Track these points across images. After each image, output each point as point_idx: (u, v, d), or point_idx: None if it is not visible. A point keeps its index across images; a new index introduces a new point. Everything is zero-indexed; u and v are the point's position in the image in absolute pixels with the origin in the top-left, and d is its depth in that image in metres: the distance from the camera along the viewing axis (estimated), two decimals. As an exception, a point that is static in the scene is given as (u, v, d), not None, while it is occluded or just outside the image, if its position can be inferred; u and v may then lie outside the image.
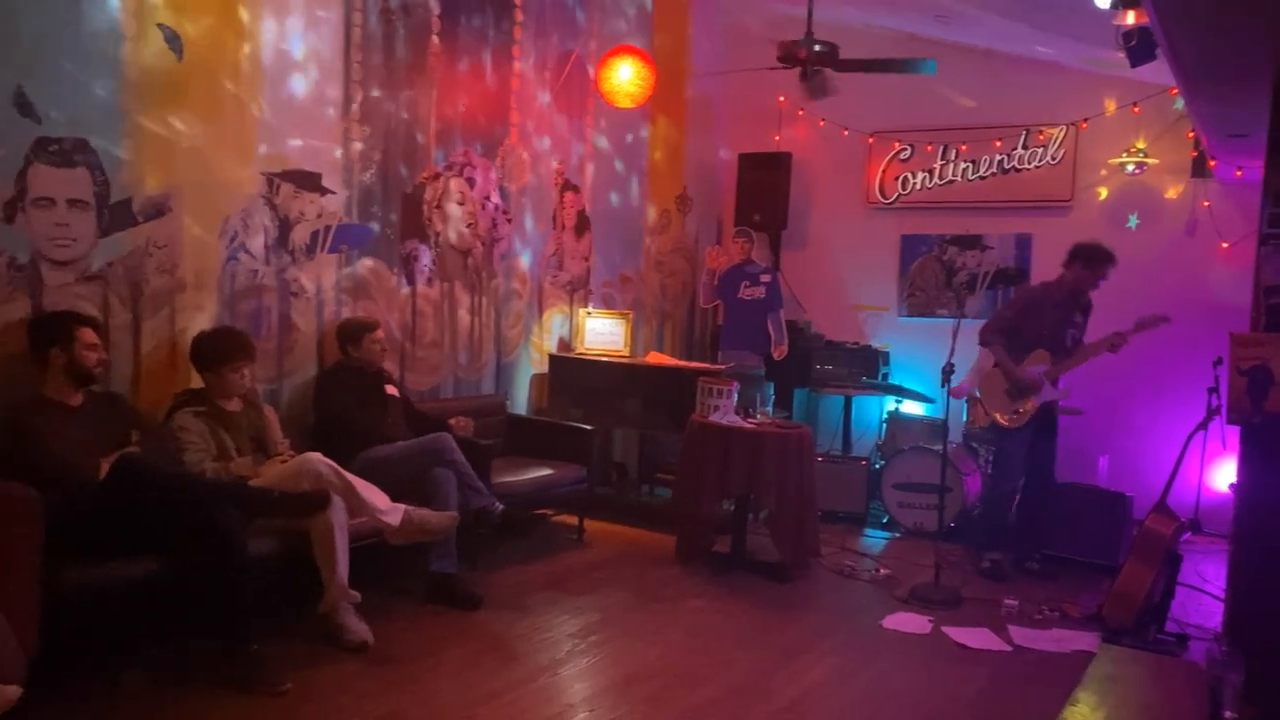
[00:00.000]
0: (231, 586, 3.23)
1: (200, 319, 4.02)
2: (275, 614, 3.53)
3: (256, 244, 4.25)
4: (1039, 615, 4.39)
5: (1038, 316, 4.99)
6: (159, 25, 3.78)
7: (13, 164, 3.38)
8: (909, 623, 4.25)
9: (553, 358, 6.00)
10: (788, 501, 4.76)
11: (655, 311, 7.03)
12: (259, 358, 4.09)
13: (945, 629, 4.17)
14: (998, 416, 5.01)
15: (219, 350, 3.84)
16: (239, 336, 3.93)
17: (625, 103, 5.70)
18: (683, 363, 6.15)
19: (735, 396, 4.95)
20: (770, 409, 5.12)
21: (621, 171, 6.60)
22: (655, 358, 6.15)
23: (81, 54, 3.54)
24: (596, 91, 5.90)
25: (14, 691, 2.49)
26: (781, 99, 7.02)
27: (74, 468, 3.18)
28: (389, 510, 3.74)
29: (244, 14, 4.11)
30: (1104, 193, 6.46)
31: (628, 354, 6.01)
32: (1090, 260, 4.94)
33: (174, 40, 3.83)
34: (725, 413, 4.89)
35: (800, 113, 7.02)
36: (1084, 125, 6.43)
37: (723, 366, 6.00)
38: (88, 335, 3.39)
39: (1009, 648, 4.02)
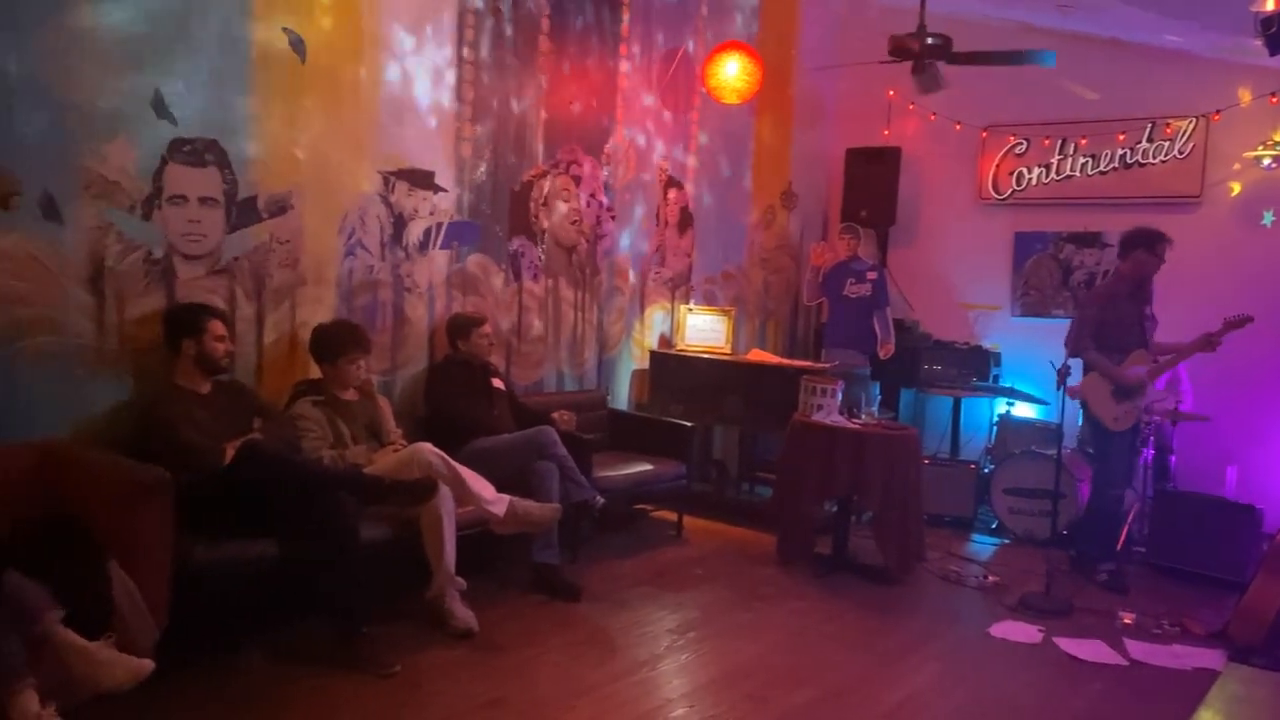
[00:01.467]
0: (345, 570, 3.35)
1: (319, 312, 4.18)
2: (386, 598, 3.65)
3: (372, 240, 4.40)
4: (1158, 629, 4.20)
5: (1115, 313, 4.82)
6: (284, 29, 3.94)
7: (150, 164, 3.58)
8: (1018, 631, 4.12)
9: (654, 354, 6.02)
10: (892, 504, 4.67)
11: (758, 308, 6.99)
12: (374, 350, 4.23)
13: (1056, 639, 4.03)
14: (1105, 420, 4.81)
15: (337, 342, 3.99)
16: (355, 330, 4.07)
17: (731, 98, 5.68)
18: (785, 360, 6.09)
19: (840, 396, 4.88)
20: (876, 409, 5.03)
21: (726, 167, 6.57)
22: (757, 355, 6.11)
23: (213, 58, 3.72)
24: (702, 87, 5.89)
25: (147, 664, 2.63)
26: (891, 93, 6.88)
27: (202, 452, 3.35)
28: (495, 500, 3.82)
29: (364, 18, 4.25)
30: (1237, 188, 6.11)
31: (729, 351, 5.99)
32: (1150, 243, 4.78)
33: (298, 44, 3.99)
34: (829, 412, 4.83)
35: (911, 107, 6.86)
36: (1216, 117, 6.10)
37: (827, 365, 5.92)
38: (218, 328, 3.57)
39: (1124, 662, 3.86)
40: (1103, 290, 5.09)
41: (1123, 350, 4.80)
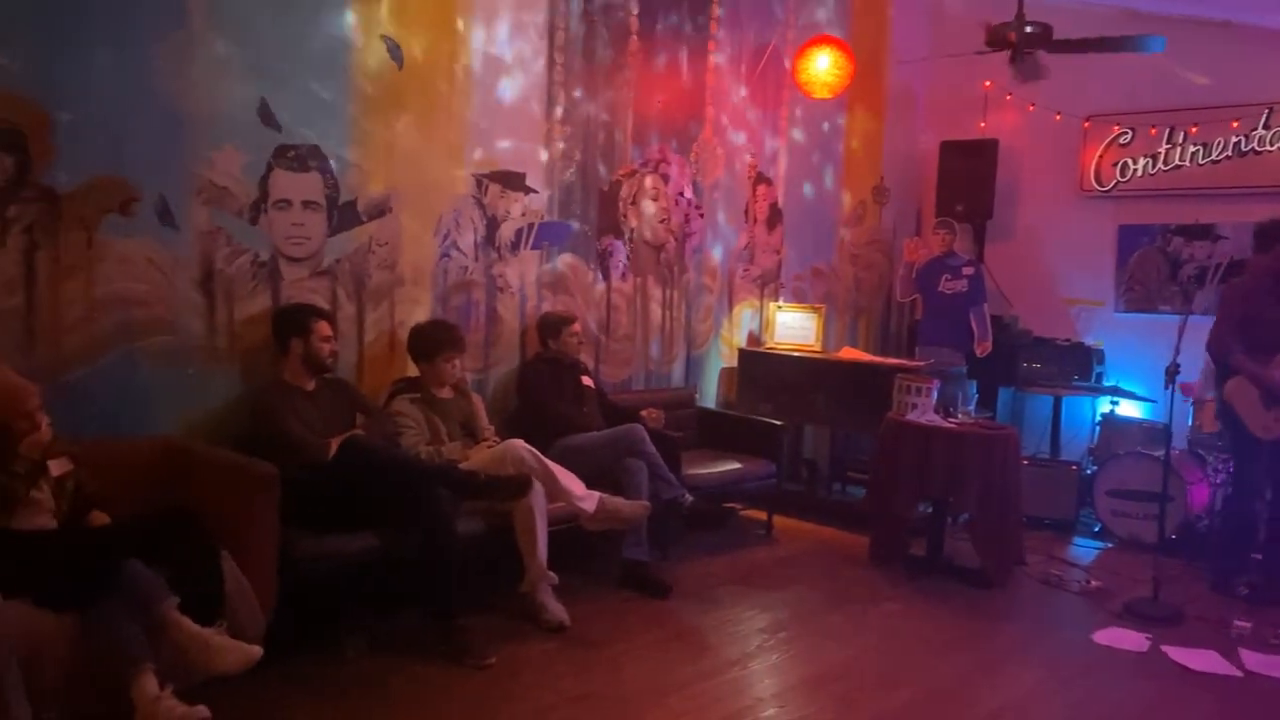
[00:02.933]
0: (441, 562, 3.43)
1: (416, 312, 4.29)
2: (481, 592, 3.72)
3: (466, 241, 4.49)
4: (1276, 639, 4.00)
5: (1258, 311, 4.52)
6: (382, 37, 4.05)
7: (257, 170, 3.72)
8: (1124, 639, 3.97)
9: (742, 352, 5.99)
10: (990, 505, 4.55)
11: (849, 305, 6.89)
12: (468, 348, 4.32)
13: (1165, 648, 3.87)
14: (1253, 428, 4.53)
15: (433, 341, 4.08)
16: (451, 329, 4.16)
17: (822, 93, 5.61)
18: (878, 358, 5.99)
19: (935, 394, 4.78)
20: (972, 408, 4.91)
21: (816, 163, 6.50)
22: (849, 353, 6.02)
23: (315, 67, 3.85)
24: (793, 83, 5.84)
25: (256, 651, 2.73)
26: (988, 84, 6.70)
27: (308, 447, 3.47)
28: (585, 497, 3.86)
29: (459, 23, 4.34)
30: (1364, 175, 5.77)
31: (819, 349, 5.92)
32: None
33: (395, 50, 4.10)
34: (924, 411, 4.73)
35: (1008, 97, 6.67)
36: (1340, 100, 5.77)
37: (921, 363, 5.80)
38: (324, 328, 3.70)
39: (1239, 673, 3.68)
40: (1243, 286, 4.73)
41: (1268, 351, 4.51)
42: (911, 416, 4.73)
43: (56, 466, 2.92)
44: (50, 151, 3.19)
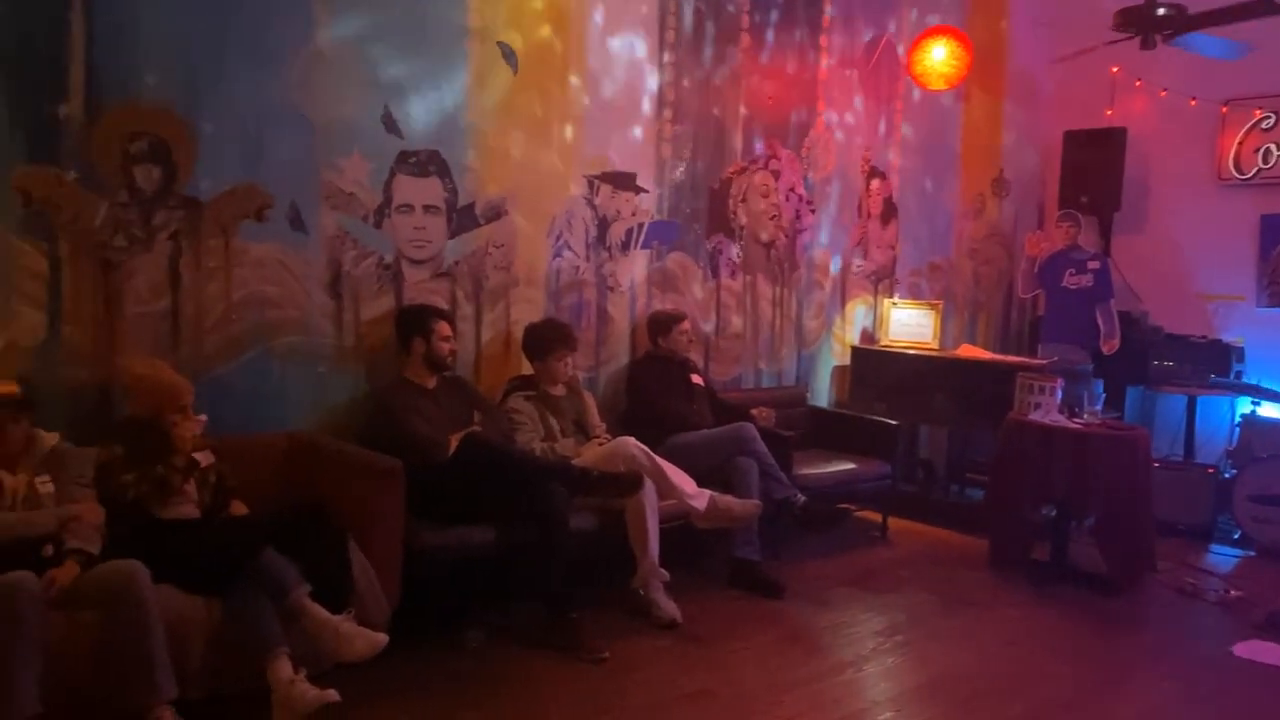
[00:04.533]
0: (555, 557, 3.49)
1: (530, 311, 4.38)
2: (594, 587, 3.77)
3: (578, 242, 4.56)
4: None
5: None
6: (498, 43, 4.15)
7: (381, 176, 3.87)
8: (1267, 653, 3.75)
9: (855, 349, 5.90)
10: (1117, 509, 4.36)
11: (967, 301, 6.70)
12: (579, 347, 4.38)
13: (1315, 665, 3.64)
14: None
15: (546, 340, 4.16)
16: (563, 328, 4.23)
17: (939, 84, 5.47)
18: (998, 356, 5.81)
19: (1059, 394, 4.60)
20: (1099, 408, 4.71)
21: (932, 156, 6.34)
22: (967, 350, 5.86)
23: (434, 74, 3.97)
24: (907, 74, 5.71)
25: (382, 638, 2.85)
26: (1115, 69, 6.41)
27: (430, 443, 3.58)
28: (696, 495, 3.87)
29: (571, 26, 4.41)
30: None
31: (936, 346, 5.78)
32: None
33: (510, 55, 4.19)
34: (1048, 411, 4.56)
35: (1137, 83, 6.37)
36: None
37: (1044, 361, 5.60)
38: (444, 328, 3.82)
39: (1400, 695, 3.44)
40: None
41: None
42: (1034, 416, 4.57)
43: (201, 458, 3.10)
44: (193, 162, 3.39)
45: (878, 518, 5.26)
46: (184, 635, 2.67)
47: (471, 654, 3.41)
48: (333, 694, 2.66)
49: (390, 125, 3.86)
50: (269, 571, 2.76)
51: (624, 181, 4.70)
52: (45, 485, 2.78)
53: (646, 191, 4.79)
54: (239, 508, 3.13)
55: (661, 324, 4.70)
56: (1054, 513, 4.71)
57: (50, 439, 2.87)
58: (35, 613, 2.41)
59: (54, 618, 2.49)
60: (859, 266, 5.97)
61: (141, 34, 3.25)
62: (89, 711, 2.54)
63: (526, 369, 4.24)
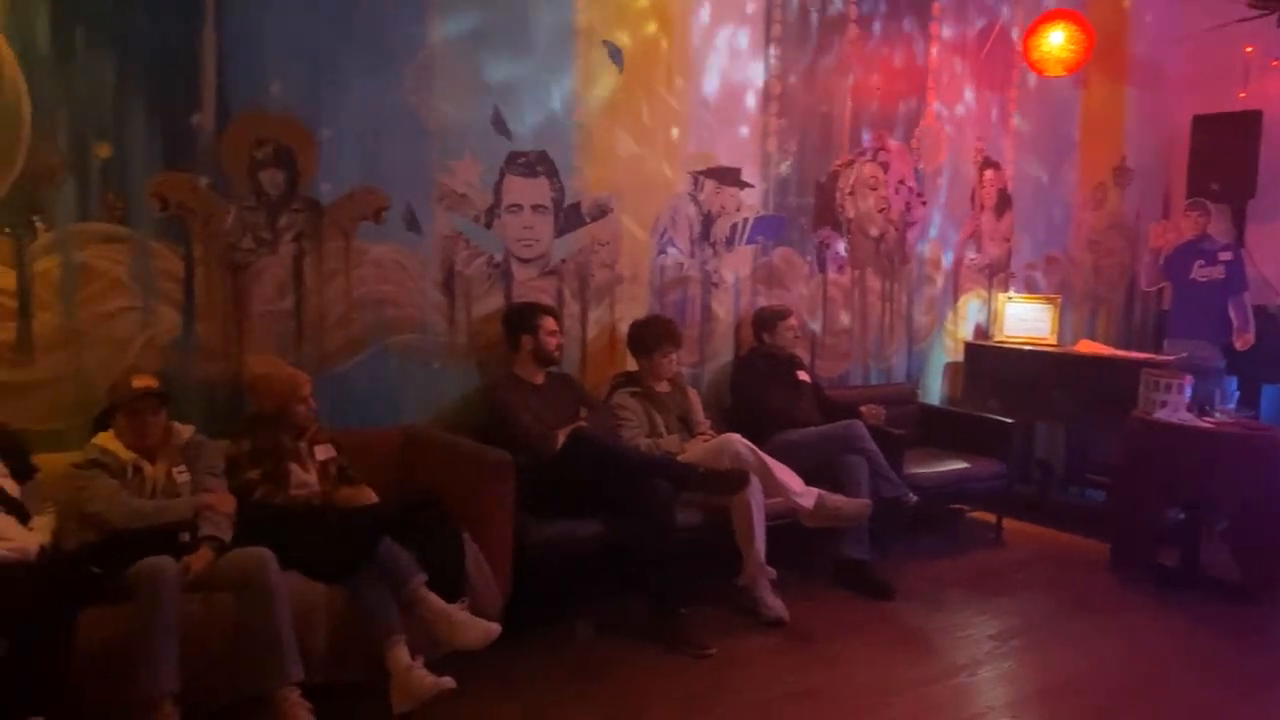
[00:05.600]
0: (661, 552, 3.51)
1: (634, 308, 4.41)
2: (700, 583, 3.77)
3: (682, 238, 4.57)
4: None
5: None
6: (604, 42, 4.19)
7: (491, 177, 3.96)
8: None
9: (968, 345, 5.74)
10: (1252, 513, 4.13)
11: (1087, 295, 6.43)
12: (684, 343, 4.38)
13: None
14: None
15: (651, 337, 4.18)
16: (668, 324, 4.25)
17: (1057, 70, 5.27)
18: (1120, 352, 5.56)
19: (1188, 391, 4.38)
20: (1232, 406, 4.47)
21: (1049, 145, 6.11)
22: (1087, 346, 5.63)
23: (542, 75, 4.04)
24: (1023, 61, 5.52)
25: (495, 628, 2.92)
26: (1248, 49, 6.05)
27: (537, 438, 3.65)
28: (803, 493, 3.83)
29: (676, 23, 4.42)
30: None
31: (1054, 342, 5.58)
32: None
33: (616, 54, 4.23)
34: (1175, 410, 4.34)
35: (1275, 64, 5.99)
36: None
37: (1171, 357, 5.33)
38: (550, 323, 3.89)
39: None
40: None
41: None
42: (1161, 415, 4.36)
43: (322, 451, 3.24)
44: (315, 166, 3.54)
45: (992, 519, 5.11)
46: (309, 621, 2.78)
47: (579, 646, 3.46)
48: (448, 681, 2.74)
49: (500, 127, 3.95)
50: (388, 561, 2.86)
51: (729, 177, 4.68)
52: (181, 475, 2.94)
53: (751, 186, 4.77)
54: (368, 494, 3.25)
55: (767, 320, 4.66)
56: (1182, 515, 4.49)
57: (185, 431, 3.04)
58: (174, 595, 2.55)
59: (190, 601, 2.63)
60: (972, 260, 5.80)
61: (266, 45, 3.40)
62: (222, 691, 2.68)
63: (631, 365, 4.27)
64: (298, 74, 3.47)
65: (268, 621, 2.64)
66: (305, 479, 3.17)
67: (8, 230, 3.02)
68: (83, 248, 3.14)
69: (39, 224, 3.07)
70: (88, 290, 3.16)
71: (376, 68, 3.63)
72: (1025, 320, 5.67)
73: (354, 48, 3.57)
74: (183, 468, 2.95)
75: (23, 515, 2.71)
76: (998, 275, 5.94)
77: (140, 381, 2.91)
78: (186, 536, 2.78)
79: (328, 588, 2.85)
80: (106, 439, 2.89)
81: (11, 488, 2.74)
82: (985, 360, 5.62)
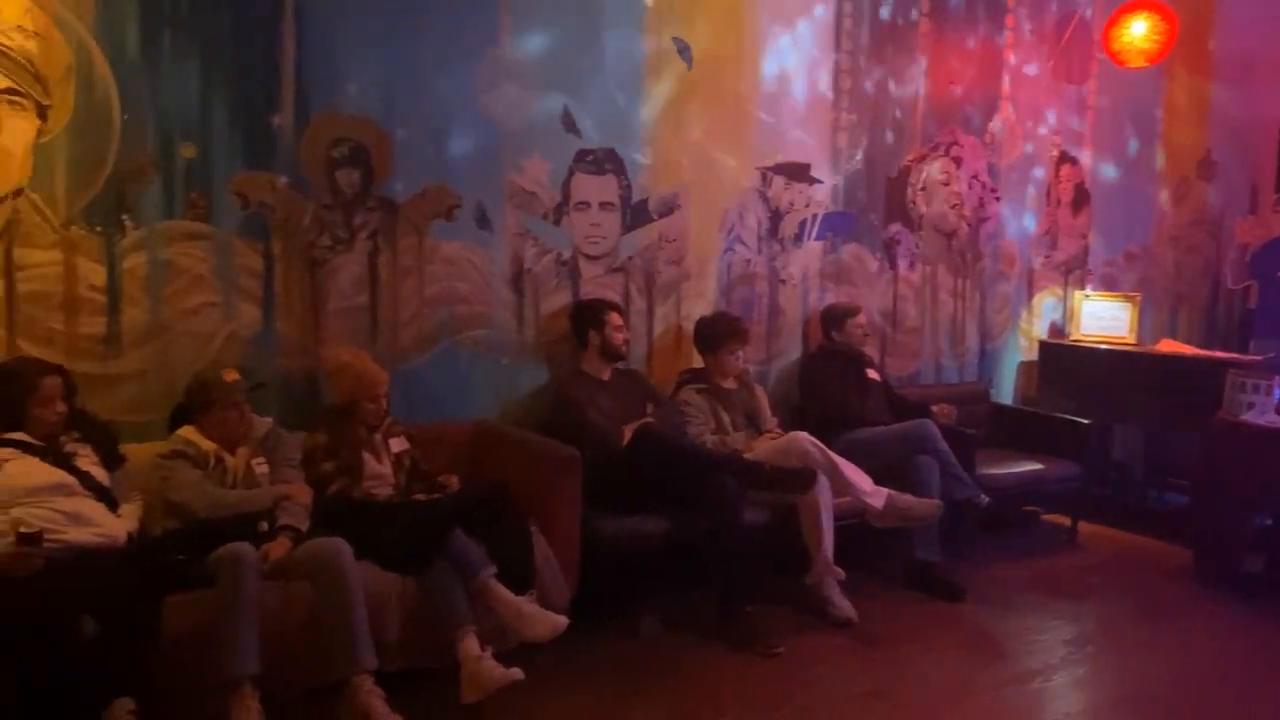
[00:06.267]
0: (728, 549, 3.50)
1: (701, 305, 4.40)
2: (767, 581, 3.75)
3: (750, 235, 4.54)
4: None
5: None
6: (673, 39, 4.19)
7: (560, 175, 3.99)
8: None
9: (1043, 344, 5.60)
10: (1347, 520, 3.96)
11: (1168, 293, 6.23)
12: (750, 340, 4.36)
13: None
14: None
15: (717, 334, 4.17)
16: (735, 321, 4.23)
17: (1138, 62, 5.11)
18: (1204, 352, 5.38)
19: (1278, 393, 4.21)
20: (1324, 408, 4.29)
21: (1129, 139, 5.94)
22: (1168, 345, 5.46)
23: (611, 73, 4.06)
24: (1102, 53, 5.37)
25: (563, 621, 2.95)
26: (1345, 35, 5.80)
27: (604, 434, 3.66)
28: (873, 493, 3.78)
29: (746, 18, 4.40)
30: None
31: (1133, 341, 5.41)
32: None
33: (685, 51, 4.22)
34: (1263, 411, 4.18)
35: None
36: None
37: (1259, 357, 5.14)
38: (616, 319, 3.91)
39: None
40: None
41: None
42: (1248, 417, 4.20)
43: (396, 444, 3.31)
44: (389, 165, 3.60)
45: (1066, 521, 4.99)
46: (382, 610, 2.84)
47: (646, 641, 3.47)
48: (517, 672, 2.77)
49: (569, 125, 3.98)
50: (459, 553, 2.91)
51: (798, 173, 4.64)
52: (261, 466, 3.03)
53: (821, 182, 4.72)
54: (453, 481, 3.32)
55: (835, 317, 4.61)
56: (1269, 521, 4.33)
57: (264, 423, 3.13)
58: (254, 582, 2.63)
59: (268, 589, 2.70)
60: (1047, 257, 5.66)
61: (343, 47, 3.48)
62: (298, 677, 2.75)
63: (698, 362, 4.27)
64: (373, 75, 3.54)
65: (343, 610, 2.70)
66: (380, 471, 3.24)
67: (99, 228, 3.14)
68: (168, 245, 3.25)
69: (128, 222, 3.18)
70: (173, 286, 3.27)
71: (449, 68, 3.68)
72: (1103, 319, 5.52)
73: (428, 48, 3.63)
74: (262, 459, 3.04)
75: (112, 503, 2.81)
76: (1074, 272, 5.79)
77: (230, 375, 3.01)
78: (265, 526, 2.86)
79: (400, 578, 2.91)
80: (190, 431, 2.99)
81: (101, 476, 2.85)
82: (1061, 359, 5.49)
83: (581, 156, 4.02)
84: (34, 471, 2.69)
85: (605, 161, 4.09)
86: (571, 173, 4.01)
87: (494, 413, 3.86)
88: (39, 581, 2.42)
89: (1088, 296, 5.66)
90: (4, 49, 2.95)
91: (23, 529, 2.44)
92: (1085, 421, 4.90)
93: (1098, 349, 5.38)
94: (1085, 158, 5.75)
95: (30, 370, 2.81)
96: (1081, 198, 5.77)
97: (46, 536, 2.50)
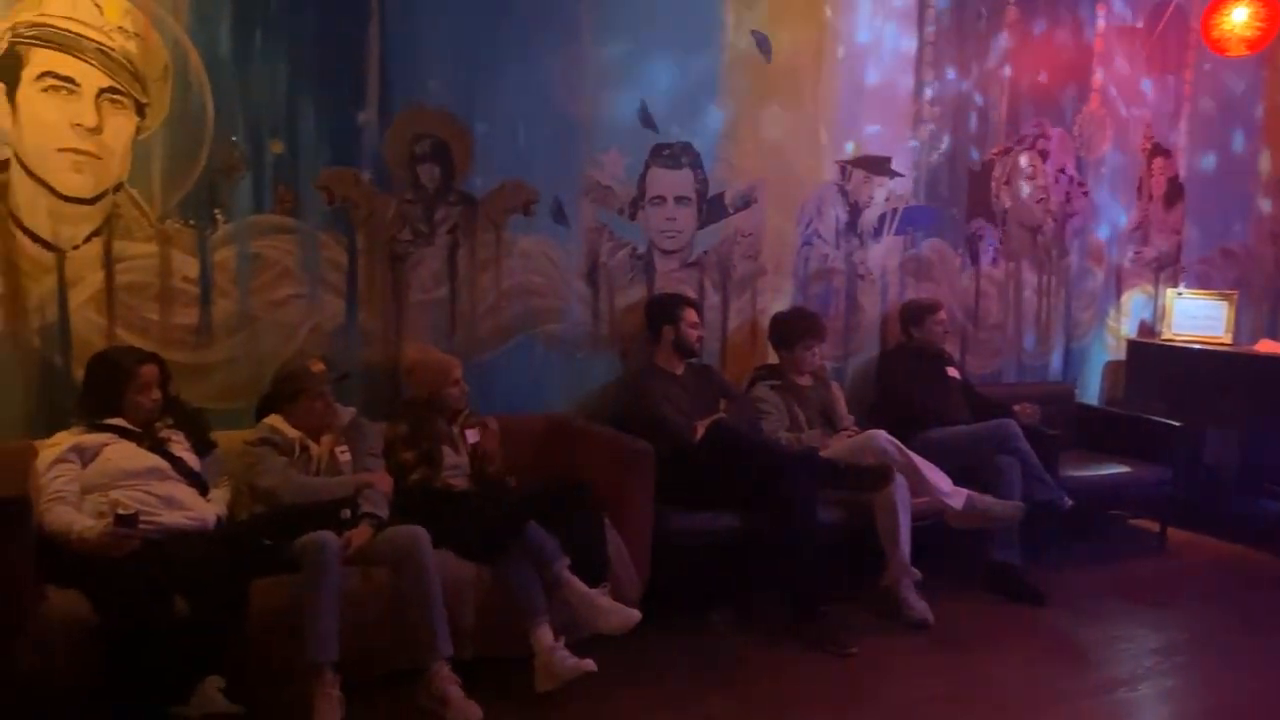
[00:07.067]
0: (801, 548, 3.46)
1: (777, 300, 4.37)
2: (841, 581, 3.70)
3: (828, 229, 4.49)
4: None
5: None
6: (751, 32, 4.16)
7: (636, 169, 4.00)
8: None
9: (1132, 343, 5.42)
10: None
11: (1267, 292, 5.96)
12: (827, 337, 4.30)
13: None
14: None
15: (793, 329, 4.13)
16: (811, 317, 4.19)
17: (1239, 50, 4.90)
18: (1305, 353, 5.14)
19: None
20: None
21: (1227, 130, 5.69)
22: (1267, 346, 5.22)
23: (689, 66, 4.05)
24: (1201, 41, 5.16)
25: (635, 614, 2.96)
26: None
27: (677, 429, 3.66)
28: (952, 493, 3.71)
29: (826, 10, 4.34)
30: None
31: (1229, 341, 5.20)
32: None
33: (764, 44, 4.19)
34: (1369, 416, 3.99)
35: None
36: None
37: (1364, 359, 4.89)
38: (692, 315, 3.90)
39: None
40: None
41: None
42: (1353, 422, 4.01)
43: (472, 435, 3.36)
44: (469, 160, 3.66)
45: (1154, 526, 4.82)
46: (459, 598, 2.89)
47: (718, 637, 3.46)
48: (590, 664, 2.79)
49: (646, 119, 3.98)
50: (533, 543, 2.94)
51: (878, 166, 4.57)
52: (343, 454, 3.11)
53: (901, 176, 4.64)
54: (511, 481, 3.36)
55: (915, 314, 4.53)
56: (1377, 532, 4.13)
57: (347, 413, 3.21)
58: (337, 569, 2.69)
59: (349, 575, 2.77)
60: (1138, 253, 5.47)
61: (426, 44, 3.54)
62: (377, 662, 2.82)
63: (772, 358, 4.24)
64: (454, 71, 3.60)
65: (421, 597, 2.76)
66: (457, 461, 3.30)
67: (192, 222, 3.26)
68: (257, 238, 3.36)
69: (219, 216, 3.29)
70: (261, 278, 3.37)
71: (528, 63, 3.72)
72: (1196, 317, 5.31)
73: (507, 44, 3.67)
74: (345, 448, 3.11)
75: (202, 487, 2.92)
76: (1166, 269, 5.58)
77: (316, 366, 3.09)
78: (347, 513, 2.92)
79: (477, 567, 2.95)
80: (276, 420, 3.08)
81: (193, 461, 2.96)
82: (1151, 359, 5.30)
83: (658, 151, 4.02)
84: (131, 456, 2.80)
85: (681, 155, 4.08)
86: (647, 167, 4.01)
87: (567, 406, 3.89)
88: (135, 561, 2.52)
89: (1180, 294, 5.45)
90: (106, 49, 3.08)
91: (120, 510, 2.54)
92: (1176, 424, 4.73)
93: (1191, 349, 5.18)
94: (1180, 150, 5.53)
95: (129, 358, 2.92)
96: (1175, 191, 5.56)
97: (142, 518, 2.59)
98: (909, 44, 4.59)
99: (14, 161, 3.02)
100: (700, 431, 3.67)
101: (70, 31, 3.03)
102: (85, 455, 2.76)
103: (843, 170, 4.49)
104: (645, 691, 3.01)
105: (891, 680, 3.17)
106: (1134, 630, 3.67)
